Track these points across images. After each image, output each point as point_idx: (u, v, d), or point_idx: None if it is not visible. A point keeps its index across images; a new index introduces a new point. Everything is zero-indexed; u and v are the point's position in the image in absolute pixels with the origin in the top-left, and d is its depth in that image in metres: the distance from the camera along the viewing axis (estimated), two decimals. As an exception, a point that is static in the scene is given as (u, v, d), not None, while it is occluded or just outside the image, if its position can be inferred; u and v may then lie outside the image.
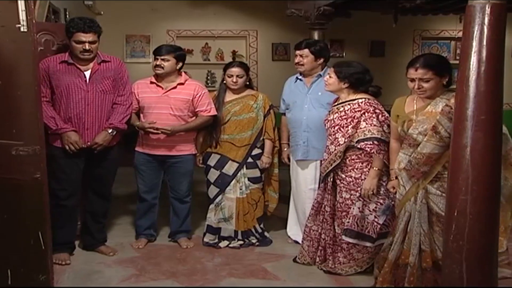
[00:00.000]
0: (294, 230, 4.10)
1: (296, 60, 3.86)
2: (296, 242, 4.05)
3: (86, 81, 3.49)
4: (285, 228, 4.22)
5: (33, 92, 2.67)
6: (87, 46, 3.42)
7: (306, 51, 3.80)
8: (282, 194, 4.29)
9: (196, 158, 4.04)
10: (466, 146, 2.23)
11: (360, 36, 7.46)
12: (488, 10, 2.15)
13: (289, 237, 4.14)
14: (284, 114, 4.08)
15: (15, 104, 2.69)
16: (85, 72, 3.50)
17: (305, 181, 3.88)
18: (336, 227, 3.47)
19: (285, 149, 4.10)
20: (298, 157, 3.87)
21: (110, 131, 3.56)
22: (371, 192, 3.29)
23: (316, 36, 5.03)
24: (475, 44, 2.18)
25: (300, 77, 3.94)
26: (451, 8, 5.15)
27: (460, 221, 2.26)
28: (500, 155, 2.28)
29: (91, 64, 3.52)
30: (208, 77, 7.50)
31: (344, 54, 7.64)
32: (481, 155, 2.22)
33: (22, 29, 2.60)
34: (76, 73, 3.48)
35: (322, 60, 3.86)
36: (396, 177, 3.13)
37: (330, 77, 3.44)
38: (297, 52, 3.86)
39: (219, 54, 7.52)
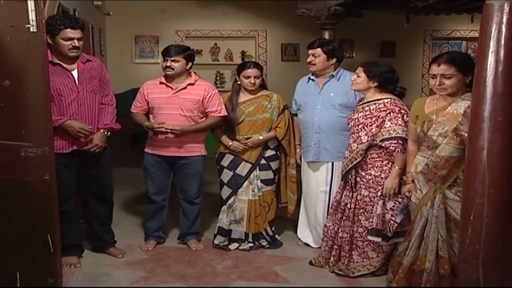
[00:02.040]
0: (305, 232, 4.05)
1: (308, 60, 3.80)
2: (307, 244, 4.02)
3: (75, 81, 3.41)
4: (296, 230, 4.17)
5: (42, 93, 2.65)
6: (76, 43, 3.34)
7: (318, 50, 3.75)
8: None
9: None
10: (482, 148, 2.18)
11: (370, 36, 7.43)
12: (506, 8, 2.10)
13: (299, 239, 4.09)
14: (296, 115, 4.03)
15: (24, 105, 2.67)
16: (72, 72, 3.42)
17: (317, 183, 3.83)
18: (353, 225, 3.43)
19: (297, 150, 4.04)
20: (309, 159, 3.82)
21: (106, 132, 3.54)
22: (393, 191, 3.26)
23: (326, 36, 4.99)
24: (492, 43, 2.14)
25: (312, 77, 3.89)
26: (464, 7, 5.08)
27: (477, 225, 2.21)
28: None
29: (76, 64, 3.44)
30: (217, 78, 7.50)
31: (354, 55, 7.60)
32: (498, 157, 2.17)
33: (31, 29, 2.57)
34: (64, 74, 3.39)
35: (334, 60, 3.79)
36: (412, 181, 3.08)
37: (358, 76, 3.39)
38: (310, 51, 3.80)
39: (228, 55, 7.52)
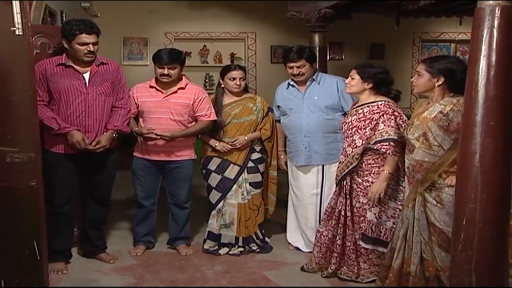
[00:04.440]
0: (295, 236, 4.02)
1: (295, 72, 3.75)
2: (297, 248, 3.99)
3: (85, 83, 3.44)
4: (284, 232, 4.14)
5: (28, 97, 2.58)
6: (91, 48, 3.37)
7: (302, 61, 3.73)
8: (280, 198, 4.22)
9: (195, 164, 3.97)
10: (475, 153, 2.18)
11: (360, 38, 7.43)
12: (498, 13, 2.10)
13: (289, 243, 4.06)
14: (279, 121, 4.01)
15: (10, 109, 2.60)
16: (84, 75, 3.44)
17: (307, 186, 3.81)
18: (354, 232, 3.40)
19: (282, 156, 4.03)
20: (301, 163, 3.79)
21: (114, 134, 3.53)
22: (378, 196, 3.22)
23: (316, 39, 4.98)
24: (484, 48, 2.14)
25: (292, 83, 3.87)
26: (454, 10, 5.09)
27: (469, 230, 2.21)
28: (510, 162, 2.22)
29: (89, 67, 3.47)
30: (206, 80, 7.46)
31: (343, 57, 7.60)
32: (490, 162, 2.17)
33: (17, 32, 2.51)
34: (75, 76, 3.42)
35: (314, 64, 3.85)
36: None
37: (352, 78, 3.37)
38: (292, 64, 3.74)
39: (218, 57, 7.48)
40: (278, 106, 3.97)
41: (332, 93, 3.72)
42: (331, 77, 3.88)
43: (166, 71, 3.68)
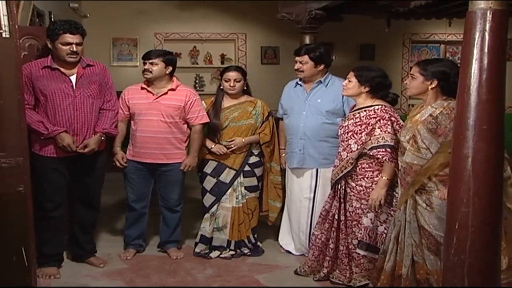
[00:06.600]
0: (287, 239, 4.00)
1: (296, 67, 3.75)
2: (288, 252, 3.97)
3: (72, 86, 3.40)
4: (277, 236, 4.12)
5: (16, 101, 2.56)
6: (74, 48, 3.33)
7: (305, 57, 3.71)
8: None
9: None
10: (467, 156, 2.17)
11: (350, 39, 7.42)
12: (489, 16, 2.09)
13: (281, 246, 4.04)
14: (282, 119, 3.99)
15: (-3, 113, 2.57)
16: (70, 77, 3.40)
17: (301, 189, 3.78)
18: (347, 237, 3.37)
19: (283, 154, 3.99)
20: (293, 165, 3.78)
21: (103, 136, 3.50)
22: (378, 203, 3.19)
23: (307, 40, 4.95)
24: (476, 51, 2.13)
25: (300, 82, 3.85)
26: (445, 12, 5.10)
27: (462, 234, 2.20)
28: (502, 166, 2.22)
29: (76, 69, 3.43)
30: (197, 81, 7.41)
31: (333, 58, 7.58)
32: (483, 166, 2.16)
33: (4, 35, 2.48)
34: (62, 79, 3.38)
35: (322, 66, 3.76)
36: None
37: (349, 81, 3.33)
38: (297, 58, 3.75)
39: (208, 58, 7.43)
40: (281, 104, 3.95)
41: (336, 97, 3.65)
42: (341, 80, 3.71)
43: (147, 66, 3.69)
